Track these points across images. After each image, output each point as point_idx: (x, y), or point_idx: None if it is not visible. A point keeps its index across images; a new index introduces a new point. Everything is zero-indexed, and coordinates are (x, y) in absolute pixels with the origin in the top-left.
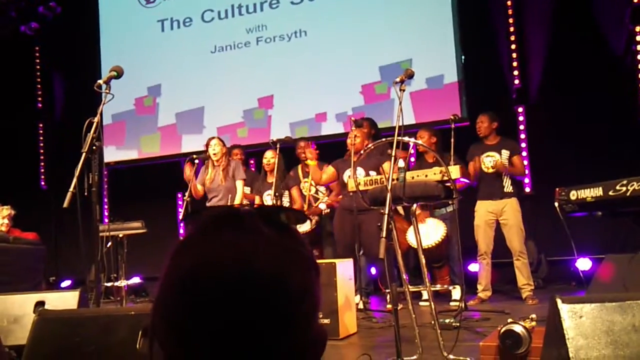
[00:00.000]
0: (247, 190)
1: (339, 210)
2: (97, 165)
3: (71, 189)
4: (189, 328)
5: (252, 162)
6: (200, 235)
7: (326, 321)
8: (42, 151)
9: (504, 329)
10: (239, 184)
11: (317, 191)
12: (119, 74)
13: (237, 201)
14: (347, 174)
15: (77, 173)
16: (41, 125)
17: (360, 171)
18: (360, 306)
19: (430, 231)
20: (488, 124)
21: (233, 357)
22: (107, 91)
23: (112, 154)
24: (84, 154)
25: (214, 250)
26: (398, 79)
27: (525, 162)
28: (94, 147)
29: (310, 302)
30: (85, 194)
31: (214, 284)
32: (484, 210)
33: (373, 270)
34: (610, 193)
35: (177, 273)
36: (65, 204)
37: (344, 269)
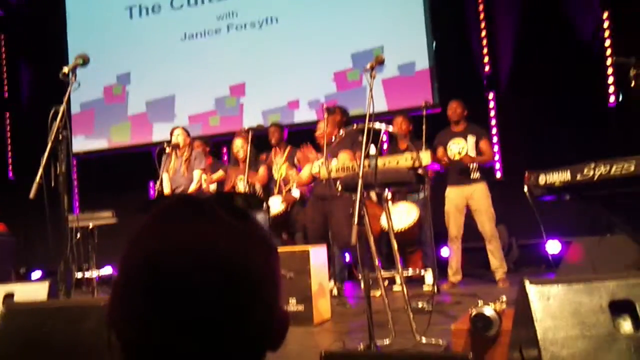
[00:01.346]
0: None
1: (311, 198)
2: (64, 154)
3: (37, 179)
4: (148, 316)
5: (224, 150)
6: (157, 222)
7: (300, 307)
8: (9, 141)
9: (474, 312)
10: (197, 173)
11: (287, 175)
12: (84, 61)
13: (190, 189)
14: (317, 163)
15: (43, 163)
16: (8, 114)
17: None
18: (335, 292)
19: (403, 214)
20: (461, 110)
21: (194, 345)
22: (73, 79)
23: (81, 144)
24: (49, 143)
25: (172, 237)
26: (368, 66)
27: (496, 148)
28: (61, 137)
29: (271, 287)
30: (53, 184)
31: (173, 271)
32: (453, 196)
33: (347, 257)
34: (578, 177)
35: (134, 261)
36: (31, 195)
37: (318, 255)
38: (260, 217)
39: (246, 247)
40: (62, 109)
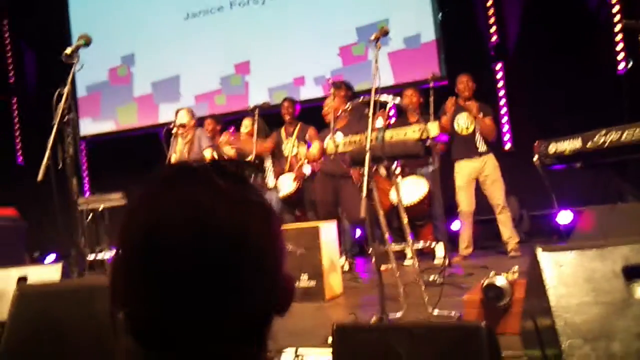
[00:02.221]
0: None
1: (320, 176)
2: (71, 137)
3: (44, 161)
4: (150, 288)
5: (231, 129)
6: (155, 191)
7: (311, 283)
8: (17, 126)
9: (486, 282)
10: (207, 152)
11: (298, 152)
12: (87, 42)
13: None
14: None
15: (50, 145)
16: (15, 99)
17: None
18: (346, 268)
19: (413, 188)
20: (472, 84)
21: (199, 314)
22: (76, 60)
23: (88, 127)
24: (55, 125)
25: (170, 206)
26: (373, 37)
27: (505, 119)
28: (66, 119)
29: (273, 251)
30: (60, 166)
31: (173, 241)
32: (463, 170)
33: (358, 232)
34: (589, 145)
35: (133, 232)
36: (39, 177)
37: (328, 231)
38: (270, 195)
39: (244, 212)
40: (66, 90)
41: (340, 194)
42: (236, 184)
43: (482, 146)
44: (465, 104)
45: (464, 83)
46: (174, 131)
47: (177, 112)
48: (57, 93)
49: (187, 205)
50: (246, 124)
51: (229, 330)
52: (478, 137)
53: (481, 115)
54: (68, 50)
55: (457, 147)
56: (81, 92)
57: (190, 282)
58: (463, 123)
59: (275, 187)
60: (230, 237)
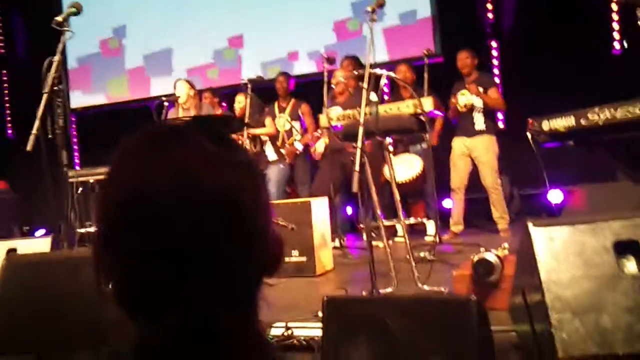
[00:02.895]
0: None
1: (327, 152)
2: (61, 108)
3: (33, 130)
4: (138, 257)
5: (224, 104)
6: (140, 153)
7: (302, 259)
8: (7, 99)
9: (476, 257)
10: None
11: (291, 128)
12: (78, 10)
13: None
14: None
15: (39, 114)
16: (5, 72)
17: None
18: (337, 244)
19: (406, 166)
20: (471, 60)
21: (187, 284)
22: (67, 29)
23: (79, 99)
24: (45, 95)
25: (155, 169)
26: (369, 8)
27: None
28: (56, 89)
29: (261, 212)
30: (50, 136)
31: (161, 204)
32: (457, 146)
33: (349, 210)
34: (582, 122)
35: (118, 197)
36: (28, 147)
37: (319, 207)
38: (274, 170)
39: (235, 175)
40: (56, 59)
41: (346, 167)
42: (224, 145)
43: (479, 124)
44: (468, 80)
45: (461, 60)
46: (166, 104)
47: (175, 83)
48: (47, 62)
49: (172, 166)
50: (239, 100)
51: (221, 297)
52: (476, 115)
53: (481, 89)
54: (59, 18)
55: (459, 124)
56: (72, 64)
57: (181, 251)
58: (462, 101)
59: (278, 160)
60: (222, 201)
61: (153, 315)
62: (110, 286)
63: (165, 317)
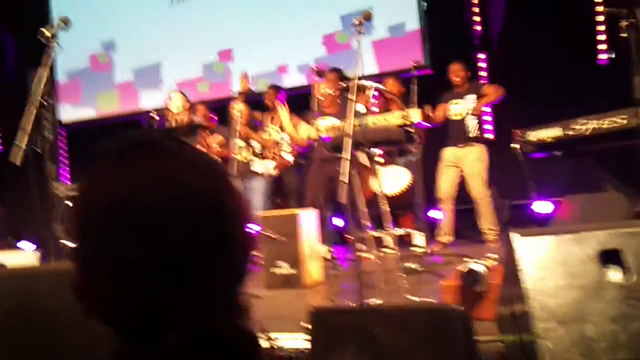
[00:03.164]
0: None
1: (314, 162)
2: (50, 121)
3: (19, 143)
4: (134, 268)
5: (215, 117)
6: (115, 163)
7: (291, 270)
8: None
9: (464, 268)
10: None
11: (281, 139)
12: (65, 24)
13: None
14: (319, 123)
15: (27, 128)
16: None
17: (334, 120)
18: (327, 256)
19: (395, 178)
20: (463, 73)
21: (186, 290)
22: (55, 43)
23: (69, 113)
24: (33, 108)
25: (134, 178)
26: (356, 22)
27: (488, 109)
28: (44, 102)
29: (243, 214)
30: (40, 151)
31: (145, 212)
32: (447, 156)
33: (340, 222)
34: (569, 132)
35: (100, 212)
36: (16, 160)
37: (308, 219)
38: (258, 183)
39: (216, 180)
40: (45, 73)
41: (333, 178)
42: (190, 150)
43: (473, 132)
44: (461, 91)
45: (454, 72)
46: (156, 118)
47: (170, 94)
48: (35, 75)
49: (157, 174)
50: (239, 108)
51: (217, 304)
52: (468, 124)
53: (475, 96)
54: (47, 32)
55: (448, 133)
56: (61, 78)
57: (176, 260)
58: (457, 109)
59: (263, 175)
60: (210, 207)
61: (153, 330)
62: (95, 308)
63: (168, 331)
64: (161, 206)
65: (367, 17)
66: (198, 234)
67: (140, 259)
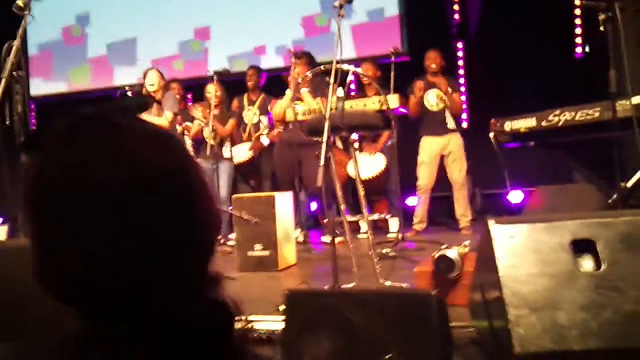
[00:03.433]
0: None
1: (279, 144)
2: (21, 94)
3: None
4: (86, 244)
5: (189, 96)
6: (68, 139)
7: (265, 253)
8: None
9: (437, 254)
10: (168, 114)
11: (259, 121)
12: None
13: None
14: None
15: None
16: None
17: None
18: (300, 239)
19: (370, 163)
20: (440, 60)
21: (140, 262)
22: (27, 13)
23: (39, 87)
24: (3, 80)
25: (91, 153)
26: (337, 3)
27: (464, 97)
28: (15, 74)
29: (204, 184)
30: (7, 122)
31: (104, 189)
32: (429, 146)
33: (314, 205)
34: (543, 123)
35: (54, 184)
36: None
37: (283, 201)
38: (225, 165)
39: (179, 155)
40: (16, 43)
41: (302, 164)
42: (147, 123)
43: (450, 123)
44: (435, 80)
45: (431, 59)
46: (129, 93)
47: (145, 72)
48: (6, 46)
49: (118, 149)
50: (210, 90)
51: (192, 278)
52: (447, 114)
53: (450, 90)
54: (20, 1)
55: (425, 123)
56: (32, 50)
57: (149, 236)
58: (433, 100)
59: (230, 158)
60: (165, 176)
61: (118, 309)
62: (54, 287)
63: (147, 310)
64: (117, 179)
65: (348, 0)
66: (159, 207)
67: (100, 235)
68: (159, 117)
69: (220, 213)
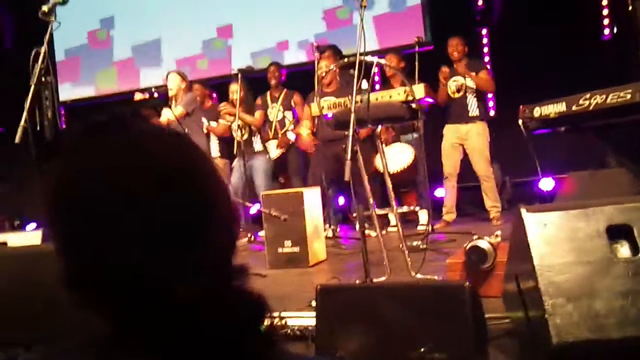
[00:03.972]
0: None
1: (320, 143)
2: (50, 100)
3: (22, 123)
4: (115, 247)
5: (214, 95)
6: (85, 144)
7: (295, 249)
8: None
9: (469, 245)
10: (179, 109)
11: (284, 118)
12: (63, 0)
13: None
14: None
15: (27, 106)
16: None
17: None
18: (330, 234)
19: (398, 155)
20: (462, 47)
21: (167, 258)
22: (53, 19)
23: (68, 92)
24: (32, 86)
25: (111, 156)
26: None
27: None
28: (44, 80)
29: (219, 180)
30: (37, 128)
31: (135, 191)
32: (450, 134)
33: (341, 200)
34: (574, 108)
35: (76, 191)
36: (17, 139)
37: (312, 197)
38: (259, 161)
39: (193, 156)
40: (43, 49)
41: (341, 157)
42: (157, 125)
43: (473, 110)
44: (457, 66)
45: (453, 47)
46: (155, 95)
47: (167, 75)
48: (34, 52)
49: (129, 154)
50: (233, 90)
51: (212, 272)
52: (470, 101)
53: (473, 73)
54: (45, 8)
55: (449, 111)
56: (60, 56)
57: (157, 231)
58: (454, 86)
59: (265, 150)
60: (183, 175)
61: (159, 307)
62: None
63: (173, 306)
64: (133, 181)
65: None
66: (177, 204)
67: (121, 236)
68: (169, 109)
69: (237, 206)
